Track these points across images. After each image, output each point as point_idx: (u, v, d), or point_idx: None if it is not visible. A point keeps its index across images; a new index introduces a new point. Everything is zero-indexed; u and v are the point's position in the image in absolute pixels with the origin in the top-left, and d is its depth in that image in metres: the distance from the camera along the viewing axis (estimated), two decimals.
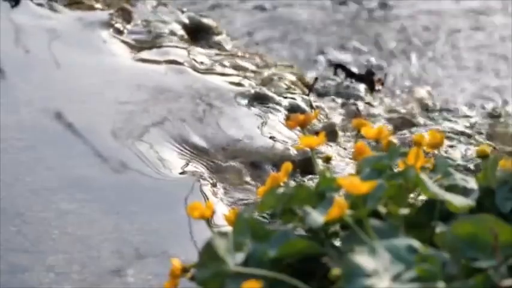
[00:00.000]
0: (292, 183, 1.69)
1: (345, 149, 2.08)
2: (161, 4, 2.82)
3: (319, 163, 1.40)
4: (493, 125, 2.29)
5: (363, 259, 0.98)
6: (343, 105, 2.37)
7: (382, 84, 2.56)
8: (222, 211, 1.58)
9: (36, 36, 2.48)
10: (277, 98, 2.22)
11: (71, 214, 1.67)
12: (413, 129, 2.21)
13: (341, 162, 1.99)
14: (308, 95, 2.38)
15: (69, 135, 1.97)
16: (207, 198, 1.74)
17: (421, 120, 2.29)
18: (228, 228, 1.20)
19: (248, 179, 1.87)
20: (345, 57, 2.83)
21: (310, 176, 1.85)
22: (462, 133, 2.21)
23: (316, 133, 1.80)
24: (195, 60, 2.42)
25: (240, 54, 2.59)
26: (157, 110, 2.10)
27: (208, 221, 1.24)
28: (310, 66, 2.76)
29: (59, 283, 1.48)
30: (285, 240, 1.11)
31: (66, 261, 1.53)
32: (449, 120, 2.29)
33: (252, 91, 2.23)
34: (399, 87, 2.60)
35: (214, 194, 1.78)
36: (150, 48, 2.49)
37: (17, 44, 2.44)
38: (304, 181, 1.83)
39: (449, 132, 2.19)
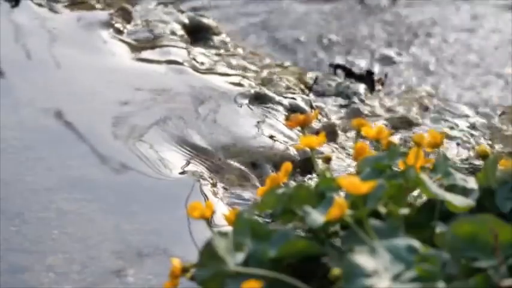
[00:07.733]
0: (292, 183, 1.69)
1: (344, 149, 2.08)
2: (161, 4, 2.82)
3: (319, 163, 1.40)
4: (494, 124, 2.29)
5: (363, 259, 0.98)
6: (343, 105, 2.37)
7: (382, 84, 2.56)
8: (222, 211, 1.58)
9: (36, 36, 2.48)
10: (277, 98, 2.22)
11: (71, 214, 1.67)
12: (413, 129, 2.21)
13: (341, 162, 1.99)
14: (308, 95, 2.38)
15: (69, 135, 1.97)
16: (207, 198, 1.74)
17: (421, 120, 2.28)
18: (228, 228, 1.20)
19: (248, 178, 1.87)
20: (345, 58, 2.83)
21: (310, 176, 1.85)
22: (462, 133, 2.21)
23: (316, 133, 1.80)
24: (195, 60, 2.42)
25: (240, 54, 2.59)
26: (157, 110, 2.10)
27: (208, 221, 1.24)
28: (310, 66, 2.76)
29: (59, 283, 1.48)
30: (285, 240, 1.11)
31: (66, 261, 1.53)
32: (449, 121, 2.29)
33: (252, 91, 2.23)
34: (399, 87, 2.59)
35: (214, 194, 1.78)
36: (150, 48, 2.49)
37: (17, 44, 2.43)
38: (304, 181, 1.83)
39: (449, 132, 2.19)
